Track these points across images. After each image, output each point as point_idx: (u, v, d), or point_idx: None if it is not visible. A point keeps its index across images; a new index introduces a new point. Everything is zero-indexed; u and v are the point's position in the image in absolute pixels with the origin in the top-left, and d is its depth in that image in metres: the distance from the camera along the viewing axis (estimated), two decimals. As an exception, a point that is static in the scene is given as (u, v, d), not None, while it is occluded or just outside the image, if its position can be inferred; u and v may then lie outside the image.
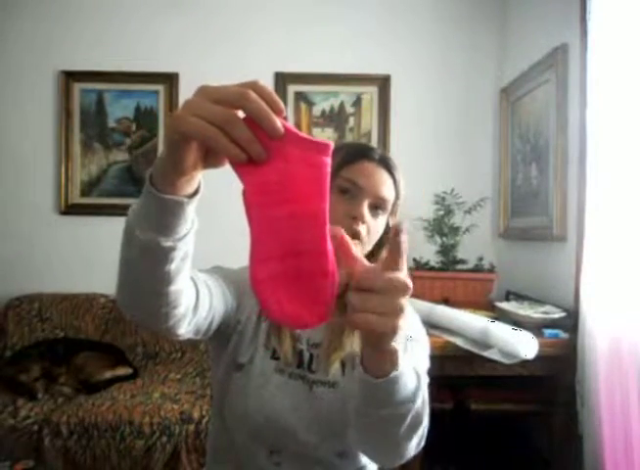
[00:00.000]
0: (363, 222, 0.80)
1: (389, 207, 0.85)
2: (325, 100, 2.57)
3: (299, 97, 2.57)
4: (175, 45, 2.55)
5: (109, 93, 2.55)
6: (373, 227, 0.82)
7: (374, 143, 2.55)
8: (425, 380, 0.77)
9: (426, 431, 0.70)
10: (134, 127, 2.56)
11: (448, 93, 2.57)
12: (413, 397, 0.60)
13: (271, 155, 0.46)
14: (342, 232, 0.51)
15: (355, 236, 0.79)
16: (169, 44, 2.55)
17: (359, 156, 0.84)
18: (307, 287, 0.49)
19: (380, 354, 0.54)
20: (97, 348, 2.23)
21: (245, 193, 0.48)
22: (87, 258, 2.50)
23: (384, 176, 0.83)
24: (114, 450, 1.75)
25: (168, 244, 0.53)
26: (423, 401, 0.63)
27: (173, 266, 0.55)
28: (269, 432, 0.82)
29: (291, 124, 0.47)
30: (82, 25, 2.54)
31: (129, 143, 2.57)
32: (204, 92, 0.45)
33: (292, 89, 2.56)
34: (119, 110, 2.56)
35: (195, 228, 0.56)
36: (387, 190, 0.83)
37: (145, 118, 2.56)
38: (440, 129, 2.58)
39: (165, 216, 0.51)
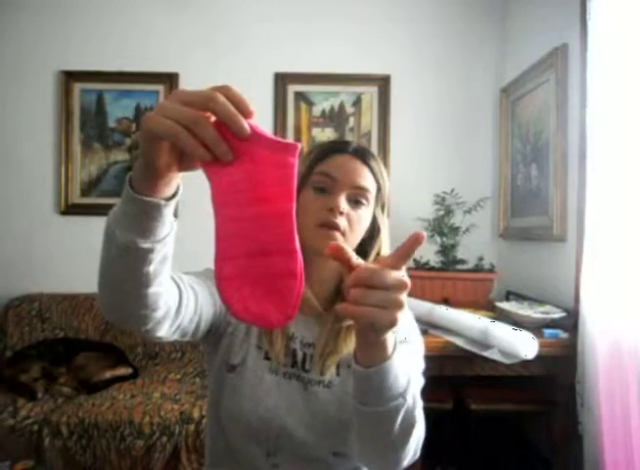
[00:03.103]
0: (341, 214, 0.79)
1: (371, 197, 0.83)
2: (325, 100, 2.57)
3: (299, 97, 2.57)
4: (175, 45, 2.55)
5: (109, 93, 2.55)
6: (354, 218, 0.81)
7: (374, 143, 2.55)
8: (419, 382, 0.77)
9: (422, 439, 0.71)
10: (134, 127, 2.56)
11: (448, 93, 2.57)
12: (404, 392, 0.62)
13: (240, 156, 0.48)
14: (334, 242, 0.53)
15: (333, 228, 0.78)
16: (169, 44, 2.55)
17: (332, 150, 0.84)
18: (274, 286, 0.50)
19: (373, 345, 0.58)
20: (97, 348, 2.23)
21: (212, 193, 0.49)
22: (87, 259, 2.48)
23: (359, 166, 0.82)
24: (114, 450, 1.75)
25: (147, 245, 0.53)
26: (414, 403, 0.64)
27: (152, 268, 0.55)
28: (265, 432, 0.82)
29: (259, 126, 0.47)
30: (82, 25, 2.54)
31: (129, 143, 2.57)
32: (175, 95, 0.47)
33: (292, 89, 2.56)
34: (119, 110, 2.56)
35: (174, 231, 0.57)
36: (363, 179, 0.82)
37: (145, 118, 2.56)
38: (440, 129, 2.58)
39: (143, 218, 0.52)
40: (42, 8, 2.53)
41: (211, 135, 0.46)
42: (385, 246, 0.89)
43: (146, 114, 0.47)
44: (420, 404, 0.68)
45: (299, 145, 0.48)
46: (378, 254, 0.87)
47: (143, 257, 0.54)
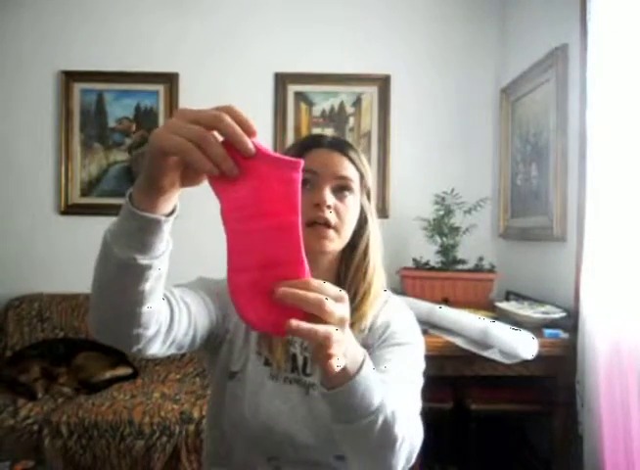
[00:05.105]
0: (329, 207, 0.79)
1: (355, 186, 0.84)
2: (325, 100, 2.57)
3: (299, 97, 2.57)
4: (175, 45, 2.55)
5: (109, 93, 2.55)
6: (342, 210, 0.82)
7: (374, 143, 2.55)
8: (419, 383, 0.77)
9: (416, 449, 0.69)
10: (134, 127, 2.56)
11: (448, 93, 2.57)
12: (376, 410, 0.61)
13: (246, 173, 0.50)
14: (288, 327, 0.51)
15: (324, 223, 0.79)
16: (169, 44, 2.55)
17: (309, 146, 0.85)
18: None
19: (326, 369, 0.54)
20: (97, 348, 2.22)
21: (222, 209, 0.52)
22: (87, 259, 2.46)
23: (338, 158, 0.83)
24: (114, 450, 1.75)
25: (145, 261, 0.54)
26: (394, 418, 0.62)
27: (147, 286, 0.56)
28: (267, 438, 0.81)
29: (263, 145, 0.50)
30: (82, 25, 2.54)
31: (129, 143, 2.57)
32: (182, 113, 0.49)
33: (292, 89, 2.56)
34: (119, 110, 2.56)
35: (170, 249, 0.58)
36: (344, 169, 0.83)
37: (145, 118, 2.56)
38: (440, 129, 2.57)
39: (143, 234, 0.53)
40: (42, 8, 2.53)
41: (219, 152, 0.48)
42: (374, 236, 0.88)
43: (154, 130, 0.49)
44: (412, 414, 0.67)
45: (302, 162, 0.51)
46: (367, 245, 0.87)
47: (141, 273, 0.55)
